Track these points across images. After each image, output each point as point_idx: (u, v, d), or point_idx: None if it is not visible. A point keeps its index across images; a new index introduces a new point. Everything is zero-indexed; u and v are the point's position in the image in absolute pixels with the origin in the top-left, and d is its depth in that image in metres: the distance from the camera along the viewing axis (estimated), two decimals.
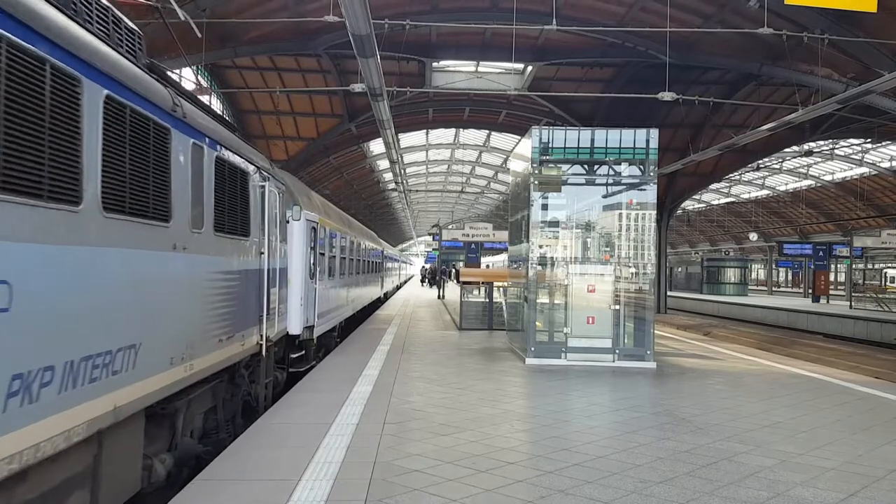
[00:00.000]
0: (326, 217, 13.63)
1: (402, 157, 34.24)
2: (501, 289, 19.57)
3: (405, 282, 64.15)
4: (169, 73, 6.76)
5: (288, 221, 10.24)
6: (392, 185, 46.28)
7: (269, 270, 8.24)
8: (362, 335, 15.84)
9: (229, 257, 6.61)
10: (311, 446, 6.03)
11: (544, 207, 12.84)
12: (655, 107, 22.95)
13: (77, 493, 4.18)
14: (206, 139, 6.03)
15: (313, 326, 11.84)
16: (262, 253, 7.94)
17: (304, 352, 11.58)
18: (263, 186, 8.06)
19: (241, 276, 7.01)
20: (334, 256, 14.65)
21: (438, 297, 34.95)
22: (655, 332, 12.44)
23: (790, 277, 78.93)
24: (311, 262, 11.81)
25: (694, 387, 9.88)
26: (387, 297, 34.49)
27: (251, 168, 7.66)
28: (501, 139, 37.70)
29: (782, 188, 50.52)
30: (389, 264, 37.07)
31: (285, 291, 9.85)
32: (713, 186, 47.64)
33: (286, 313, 10.28)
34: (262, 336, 7.97)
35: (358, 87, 16.98)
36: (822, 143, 35.30)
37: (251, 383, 8.17)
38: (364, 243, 21.67)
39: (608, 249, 13.16)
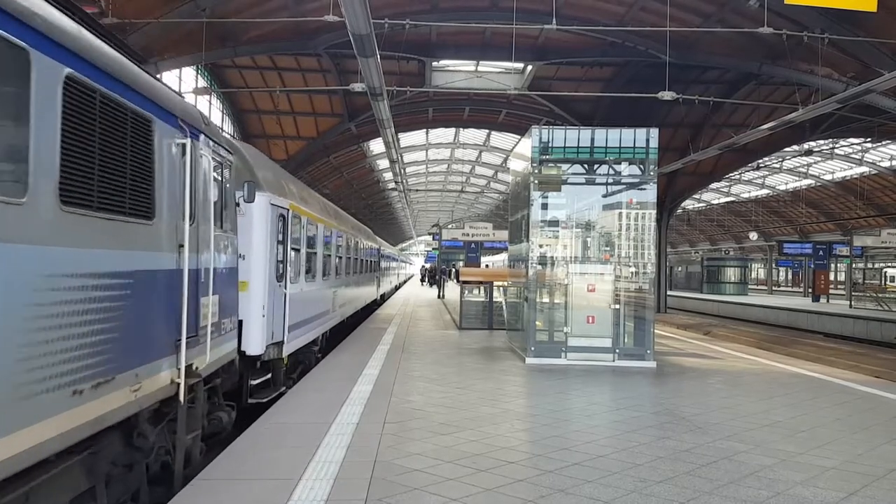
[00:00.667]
0: (303, 204, 11.12)
1: (401, 156, 34.24)
2: (501, 288, 19.58)
3: (404, 282, 64.04)
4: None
5: (238, 204, 7.76)
6: (392, 185, 46.29)
7: (198, 271, 5.81)
8: (362, 335, 15.83)
9: (102, 249, 4.21)
10: (311, 446, 6.04)
11: (544, 207, 12.85)
12: (655, 106, 22.95)
13: None
14: (42, 40, 3.62)
15: (282, 342, 9.51)
16: (183, 245, 5.39)
17: (269, 374, 9.30)
18: (184, 146, 5.48)
19: (132, 282, 4.61)
20: (315, 253, 12.13)
21: (438, 296, 34.95)
22: (655, 331, 12.45)
23: (790, 277, 78.93)
24: (279, 259, 9.41)
25: (694, 386, 9.88)
26: (384, 298, 32.31)
27: (159, 115, 5.09)
28: (501, 139, 37.70)
29: (782, 187, 50.53)
30: (386, 263, 34.55)
31: (235, 298, 7.45)
32: (713, 186, 47.67)
33: (242, 328, 8.15)
34: (181, 370, 5.43)
35: (358, 87, 16.99)
36: (821, 142, 35.30)
37: (172, 434, 5.63)
38: (356, 239, 19.00)
39: (608, 249, 13.16)
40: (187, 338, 5.53)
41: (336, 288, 14.80)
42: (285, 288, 9.64)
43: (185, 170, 5.52)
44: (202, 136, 6.13)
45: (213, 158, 6.44)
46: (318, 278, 12.35)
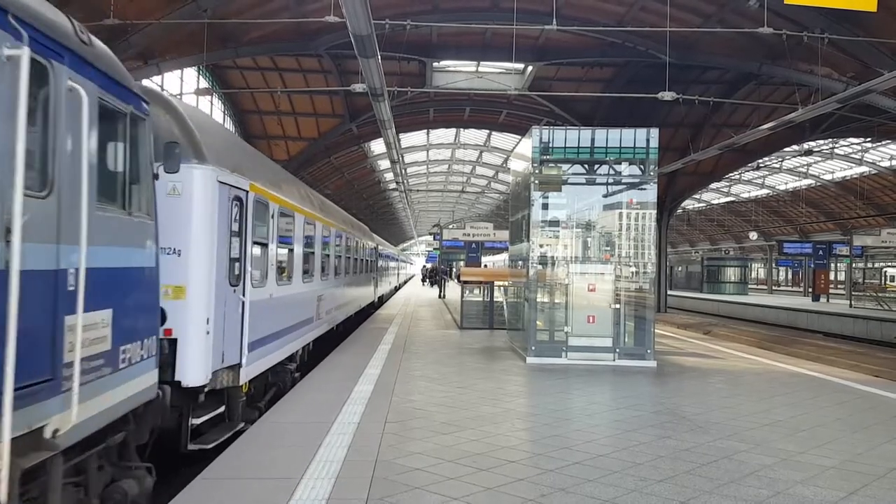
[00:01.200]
0: (272, 188, 8.82)
1: (402, 156, 34.25)
2: (502, 288, 19.60)
3: (405, 282, 63.92)
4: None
5: (157, 176, 5.49)
6: (393, 185, 46.33)
7: (55, 274, 3.77)
8: (363, 335, 15.85)
9: None
10: (312, 445, 6.05)
11: (545, 207, 12.87)
12: (656, 106, 22.97)
13: None
14: None
15: (239, 365, 7.38)
16: (12, 230, 3.28)
17: (223, 408, 7.25)
18: (19, 61, 3.35)
19: None
20: (291, 249, 10.07)
21: (439, 296, 34.99)
22: (656, 330, 12.47)
23: (790, 276, 78.92)
24: (234, 256, 7.28)
25: (694, 385, 9.90)
26: (382, 301, 30.51)
27: None
28: (502, 139, 37.73)
29: (782, 187, 50.52)
30: (384, 263, 32.75)
31: (153, 311, 5.33)
32: (713, 186, 47.66)
33: (176, 349, 6.28)
34: (5, 445, 3.17)
35: (359, 88, 17.01)
36: (821, 142, 35.29)
37: None
38: (348, 235, 16.70)
39: (608, 249, 13.19)
40: (32, 385, 3.48)
41: (322, 291, 12.70)
42: (243, 294, 7.49)
43: (19, 102, 3.36)
44: (73, 59, 3.93)
45: (102, 100, 4.32)
46: (296, 280, 10.26)
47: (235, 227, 7.30)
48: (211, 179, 6.65)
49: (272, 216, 8.67)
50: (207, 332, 6.57)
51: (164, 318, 5.92)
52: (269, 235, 8.60)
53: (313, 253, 11.81)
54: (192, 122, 6.67)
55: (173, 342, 6.27)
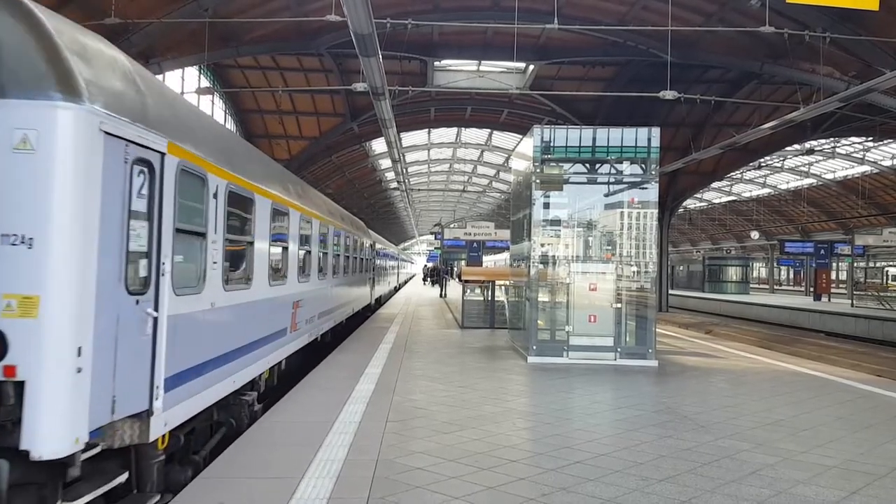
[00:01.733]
0: (220, 159, 6.53)
1: (403, 156, 34.26)
2: (503, 287, 19.60)
3: (405, 282, 63.81)
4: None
5: None
6: (394, 185, 46.34)
7: None
8: (364, 334, 15.85)
9: None
10: (313, 444, 6.06)
11: (546, 206, 12.88)
12: (657, 105, 22.95)
13: None
14: None
15: (148, 412, 4.93)
16: None
17: (124, 476, 4.86)
18: None
19: None
20: (251, 243, 7.64)
21: (441, 295, 35.02)
22: (657, 330, 12.46)
23: (792, 276, 78.89)
24: (138, 249, 4.90)
25: (696, 385, 9.89)
26: (379, 303, 28.63)
27: None
28: (503, 138, 37.73)
29: (784, 186, 50.48)
30: (382, 262, 30.63)
31: None
32: (715, 185, 47.63)
33: (23, 398, 4.01)
34: None
35: (360, 87, 16.99)
36: (823, 141, 35.27)
37: None
38: (336, 229, 14.31)
39: (610, 248, 13.19)
40: None
41: (300, 296, 10.40)
42: (154, 306, 5.07)
43: None
44: None
45: None
46: (258, 283, 7.85)
47: (140, 206, 4.93)
48: (88, 126, 4.29)
49: (214, 195, 6.27)
50: (79, 369, 4.16)
51: (3, 349, 4.03)
52: (209, 221, 6.16)
53: (287, 248, 9.54)
54: (59, 38, 4.29)
55: (20, 387, 4.01)
